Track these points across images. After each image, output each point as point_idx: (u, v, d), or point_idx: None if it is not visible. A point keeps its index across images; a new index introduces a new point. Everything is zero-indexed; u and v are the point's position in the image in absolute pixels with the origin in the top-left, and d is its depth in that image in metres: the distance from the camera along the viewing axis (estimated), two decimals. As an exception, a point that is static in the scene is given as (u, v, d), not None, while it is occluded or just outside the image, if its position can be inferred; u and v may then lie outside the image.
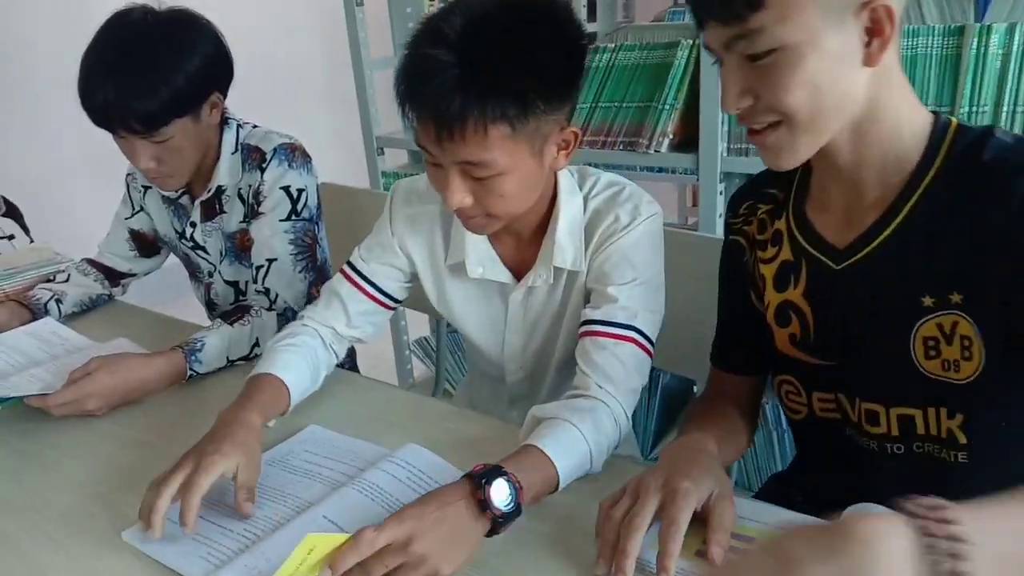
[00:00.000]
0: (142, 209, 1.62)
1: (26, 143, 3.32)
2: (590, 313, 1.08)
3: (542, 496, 0.90)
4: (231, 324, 1.33)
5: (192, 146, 1.37)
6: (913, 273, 0.85)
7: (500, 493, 0.82)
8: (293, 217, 1.43)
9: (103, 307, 1.64)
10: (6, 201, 2.75)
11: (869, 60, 0.78)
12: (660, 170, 1.91)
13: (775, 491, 1.14)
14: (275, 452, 1.06)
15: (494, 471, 0.84)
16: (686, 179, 2.03)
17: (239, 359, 1.33)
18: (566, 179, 1.12)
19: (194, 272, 1.66)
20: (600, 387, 1.02)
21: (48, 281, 1.59)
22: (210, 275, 1.61)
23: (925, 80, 1.56)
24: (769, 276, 0.99)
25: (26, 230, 2.90)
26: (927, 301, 0.84)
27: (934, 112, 0.86)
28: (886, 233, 0.87)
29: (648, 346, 1.07)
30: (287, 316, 1.40)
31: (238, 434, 0.97)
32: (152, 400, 1.24)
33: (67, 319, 1.55)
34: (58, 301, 1.54)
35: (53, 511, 1.00)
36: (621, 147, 1.89)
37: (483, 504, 0.81)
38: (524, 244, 1.16)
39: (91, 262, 1.64)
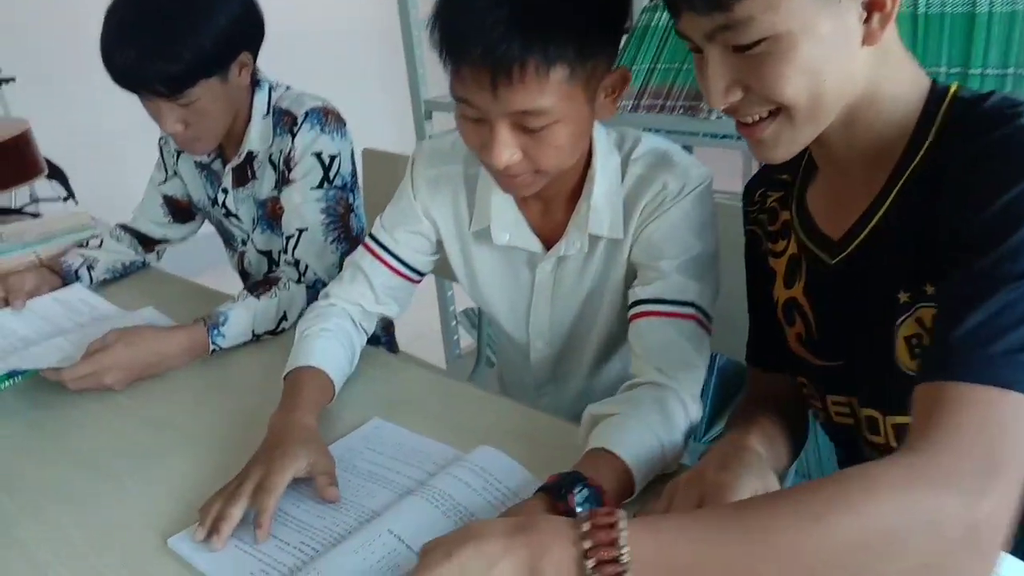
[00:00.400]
0: (176, 174, 1.57)
1: (78, 106, 3.31)
2: (641, 292, 0.98)
3: (621, 502, 0.82)
4: (257, 296, 1.27)
5: (220, 108, 1.30)
6: (891, 268, 0.75)
7: (582, 501, 0.76)
8: (325, 185, 1.35)
9: (134, 274, 1.60)
10: (50, 164, 2.75)
11: (869, 38, 0.69)
12: (724, 136, 1.78)
13: None
14: (336, 448, 0.97)
15: (571, 479, 0.77)
16: (750, 146, 1.90)
17: (265, 333, 1.27)
18: (602, 138, 1.01)
19: (228, 240, 1.61)
20: (661, 371, 0.92)
21: (82, 246, 1.56)
22: (243, 243, 1.55)
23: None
24: (780, 271, 0.91)
25: (71, 193, 2.91)
26: (903, 297, 0.75)
27: (933, 81, 0.75)
28: (872, 224, 0.77)
29: (707, 322, 0.97)
30: (317, 289, 1.33)
31: (299, 434, 0.92)
32: (173, 375, 1.19)
33: (98, 286, 1.51)
34: (90, 268, 1.51)
35: (58, 492, 0.95)
36: (681, 111, 1.76)
37: (567, 515, 0.74)
38: (555, 209, 1.05)
39: (125, 228, 1.61)
